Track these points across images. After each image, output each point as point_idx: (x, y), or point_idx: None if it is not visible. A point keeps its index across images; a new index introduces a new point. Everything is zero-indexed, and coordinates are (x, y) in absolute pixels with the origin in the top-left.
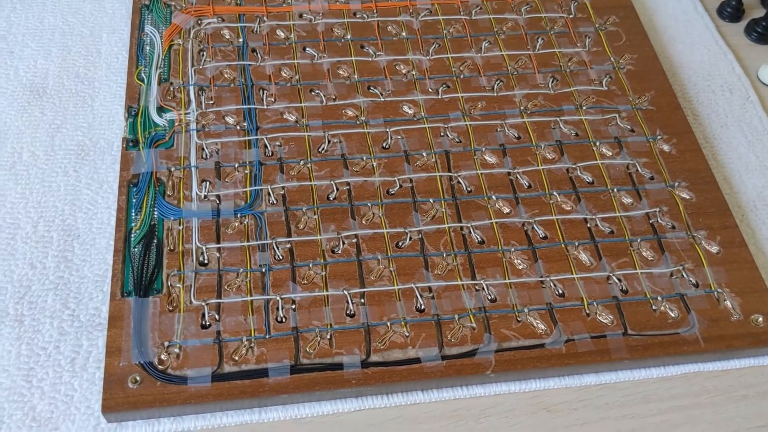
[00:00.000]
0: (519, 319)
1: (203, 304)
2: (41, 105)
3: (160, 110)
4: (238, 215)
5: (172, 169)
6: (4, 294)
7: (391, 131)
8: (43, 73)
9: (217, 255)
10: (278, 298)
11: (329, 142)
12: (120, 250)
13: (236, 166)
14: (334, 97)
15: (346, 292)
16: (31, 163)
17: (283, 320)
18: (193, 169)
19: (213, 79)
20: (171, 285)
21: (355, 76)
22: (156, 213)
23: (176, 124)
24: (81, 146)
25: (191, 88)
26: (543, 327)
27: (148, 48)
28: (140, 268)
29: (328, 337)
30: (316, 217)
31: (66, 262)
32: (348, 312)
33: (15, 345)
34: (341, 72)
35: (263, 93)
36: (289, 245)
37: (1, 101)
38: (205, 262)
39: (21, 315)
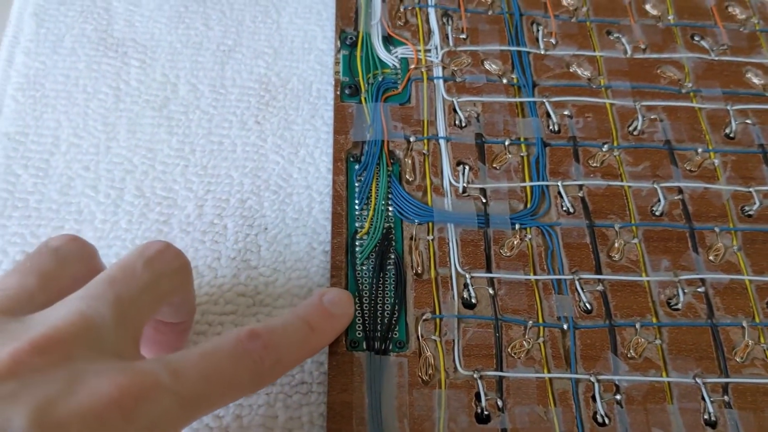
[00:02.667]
0: None
1: (476, 376)
2: (204, 13)
3: (388, 41)
4: (517, 227)
5: (412, 139)
6: None
7: (733, 110)
8: None
9: (490, 292)
10: (593, 379)
11: (644, 118)
12: (340, 266)
13: (506, 143)
14: (643, 46)
15: (699, 381)
16: (192, 103)
17: (606, 421)
18: (442, 142)
19: (463, 1)
20: (422, 336)
21: (671, 17)
22: (392, 209)
23: (412, 66)
24: (264, 84)
25: (431, 10)
26: None
27: None
28: (373, 303)
29: None
30: (636, 241)
31: (249, 270)
32: (707, 418)
33: None
34: (649, 8)
35: (537, 29)
36: (600, 287)
37: (146, 1)
38: (473, 301)
39: None
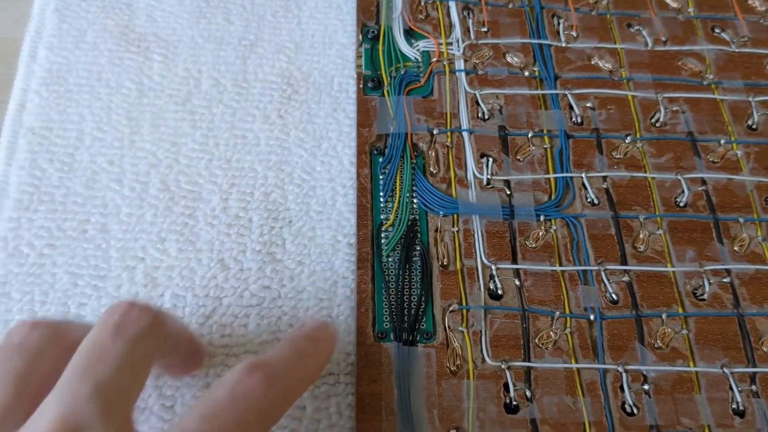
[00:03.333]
0: None
1: (504, 367)
2: (225, 8)
3: (409, 35)
4: (542, 218)
5: (435, 131)
6: (182, 307)
7: (755, 101)
8: None
9: (516, 283)
10: (620, 369)
11: (666, 110)
12: (366, 258)
13: (530, 135)
14: (664, 38)
15: (726, 371)
16: (215, 97)
17: (634, 411)
18: (465, 134)
19: None
20: (449, 327)
21: (691, 9)
22: (416, 201)
23: (434, 59)
24: (286, 78)
25: (452, 3)
26: None
27: None
28: (400, 294)
29: None
30: (660, 232)
31: (274, 264)
32: (735, 407)
33: None
34: (669, 1)
35: (558, 22)
36: (626, 278)
37: None
38: (499, 293)
39: (209, 346)
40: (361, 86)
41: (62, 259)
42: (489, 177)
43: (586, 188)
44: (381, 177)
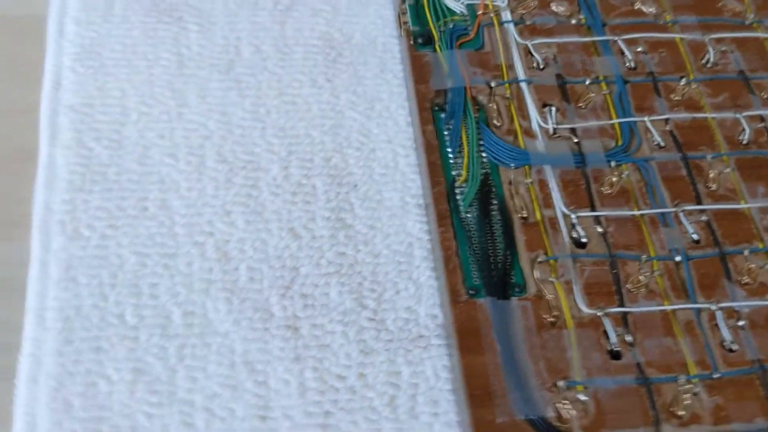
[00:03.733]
0: None
1: (601, 314)
2: None
3: None
4: (613, 164)
5: (493, 84)
6: (259, 279)
7: None
8: None
9: (599, 230)
10: (714, 308)
11: (714, 51)
12: (445, 215)
13: (587, 82)
14: None
15: None
16: (258, 64)
17: (733, 347)
18: (524, 85)
19: None
20: (539, 279)
21: None
22: (485, 155)
23: (479, 11)
24: (328, 41)
25: None
26: None
27: None
28: (484, 249)
29: None
30: (729, 170)
31: (345, 229)
32: None
33: (294, 371)
34: None
35: None
36: (705, 218)
37: None
38: (583, 241)
39: (293, 318)
40: (411, 43)
41: (126, 239)
42: (555, 126)
43: (650, 132)
44: (446, 133)
